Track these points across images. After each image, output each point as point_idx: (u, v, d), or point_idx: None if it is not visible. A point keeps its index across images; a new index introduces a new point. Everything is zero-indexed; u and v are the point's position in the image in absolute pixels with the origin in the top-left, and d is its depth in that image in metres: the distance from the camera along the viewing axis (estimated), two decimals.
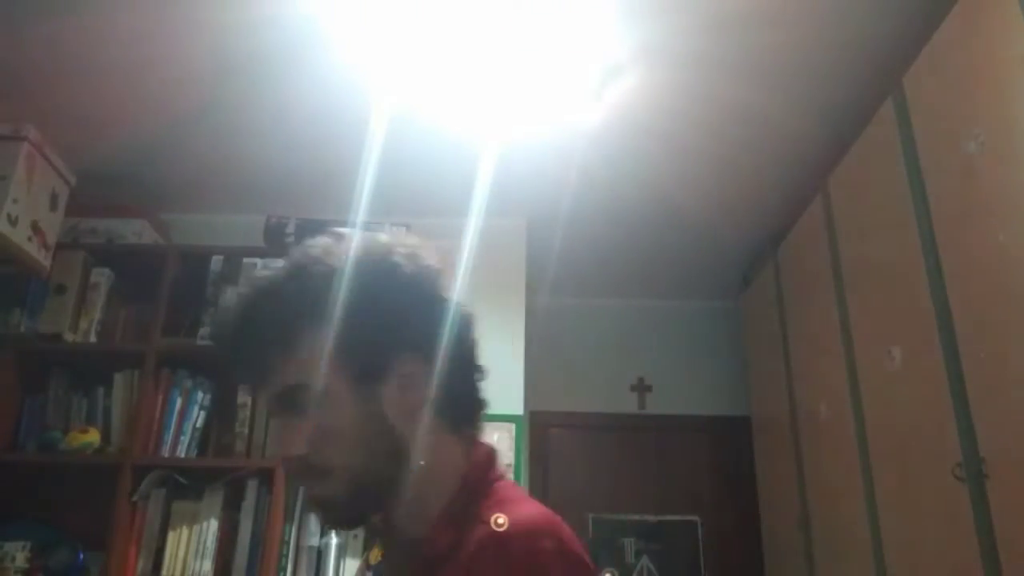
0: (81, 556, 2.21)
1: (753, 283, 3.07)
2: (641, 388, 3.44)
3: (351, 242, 0.73)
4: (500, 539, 0.66)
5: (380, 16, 1.87)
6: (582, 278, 3.34)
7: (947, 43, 1.63)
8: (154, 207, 2.72)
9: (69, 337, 2.32)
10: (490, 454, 0.79)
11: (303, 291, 0.69)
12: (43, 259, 2.26)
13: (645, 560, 3.15)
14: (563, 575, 0.65)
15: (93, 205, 2.55)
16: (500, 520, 0.67)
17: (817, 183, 2.35)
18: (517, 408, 2.62)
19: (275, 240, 2.50)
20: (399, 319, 0.72)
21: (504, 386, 2.59)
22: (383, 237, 0.75)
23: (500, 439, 2.53)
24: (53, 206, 2.30)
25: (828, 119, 2.24)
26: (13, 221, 2.10)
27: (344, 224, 2.82)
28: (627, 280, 3.39)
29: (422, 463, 0.72)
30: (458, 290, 0.75)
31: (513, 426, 2.57)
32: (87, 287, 2.41)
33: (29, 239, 2.18)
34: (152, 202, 2.71)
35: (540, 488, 3.22)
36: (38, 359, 2.40)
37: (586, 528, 3.17)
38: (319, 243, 0.73)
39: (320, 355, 0.68)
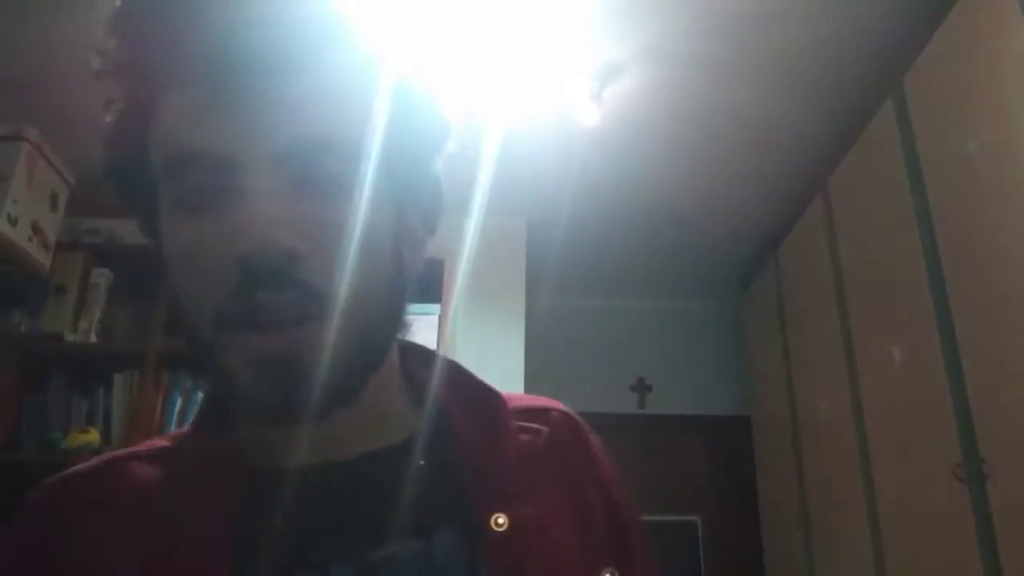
0: None
1: (753, 283, 3.07)
2: (641, 388, 3.44)
3: None
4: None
5: (380, 15, 1.87)
6: (582, 278, 3.34)
7: (947, 43, 1.63)
8: None
9: (69, 337, 2.32)
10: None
11: None
12: (43, 259, 2.26)
13: None
14: None
15: (93, 205, 2.55)
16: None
17: (817, 183, 2.35)
18: None
19: None
20: None
21: (503, 385, 2.57)
22: None
23: None
24: (53, 206, 2.30)
25: (828, 119, 2.23)
26: (13, 221, 2.10)
27: None
28: (627, 280, 3.39)
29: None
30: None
31: None
32: (87, 287, 2.41)
33: (29, 239, 2.18)
34: None
35: None
36: (38, 359, 2.40)
37: None
38: None
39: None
